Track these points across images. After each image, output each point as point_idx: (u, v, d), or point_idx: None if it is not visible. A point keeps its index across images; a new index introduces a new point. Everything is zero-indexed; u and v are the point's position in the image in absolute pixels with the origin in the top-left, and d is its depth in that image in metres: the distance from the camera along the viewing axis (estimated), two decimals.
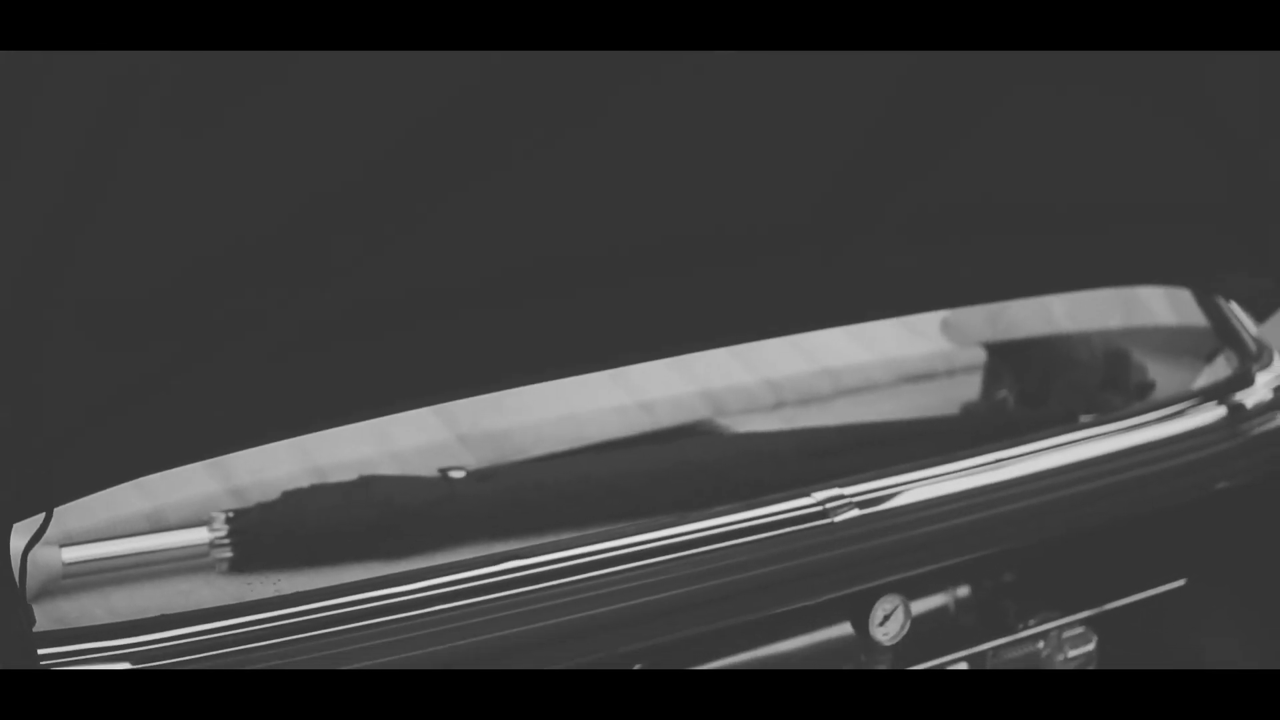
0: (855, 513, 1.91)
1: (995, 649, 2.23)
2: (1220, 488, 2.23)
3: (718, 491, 1.93)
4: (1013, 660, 2.27)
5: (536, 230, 1.62)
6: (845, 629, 1.96)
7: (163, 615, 1.64)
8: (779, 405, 2.31)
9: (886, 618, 1.92)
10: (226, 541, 1.81)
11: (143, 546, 1.80)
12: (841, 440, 2.18)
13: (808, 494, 1.91)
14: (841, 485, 1.93)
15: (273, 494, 1.89)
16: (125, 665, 1.57)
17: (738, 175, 1.70)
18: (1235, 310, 2.46)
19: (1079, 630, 2.30)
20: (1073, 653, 2.31)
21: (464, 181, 1.52)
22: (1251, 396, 2.33)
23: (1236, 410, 2.30)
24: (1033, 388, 2.39)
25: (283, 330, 1.55)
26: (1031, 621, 2.27)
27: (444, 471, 2.01)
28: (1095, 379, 2.40)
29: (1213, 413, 2.29)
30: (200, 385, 1.54)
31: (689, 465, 2.07)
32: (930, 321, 2.42)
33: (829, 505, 1.90)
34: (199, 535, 1.81)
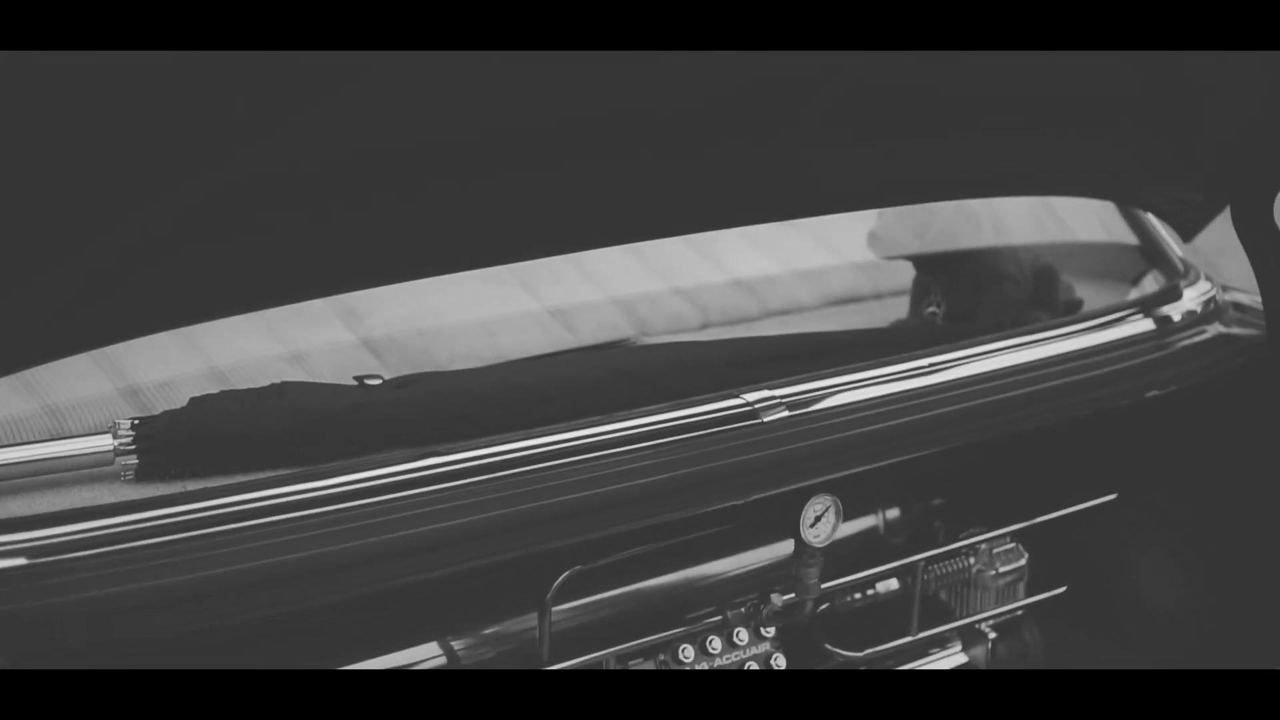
0: (784, 413, 1.86)
1: (927, 561, 2.20)
2: (1150, 396, 2.21)
3: (645, 393, 1.87)
4: (943, 574, 2.24)
5: (436, 113, 1.55)
6: (778, 533, 1.91)
7: (59, 511, 1.56)
8: (709, 311, 2.27)
9: (818, 519, 1.87)
10: (131, 448, 1.73)
11: (43, 454, 1.72)
12: (769, 345, 2.13)
13: (737, 395, 1.87)
14: (770, 387, 1.89)
15: (180, 399, 1.82)
16: (22, 561, 1.49)
17: (654, 64, 1.65)
18: (1160, 226, 2.45)
19: (1010, 545, 2.28)
20: (1004, 568, 2.28)
21: (352, 53, 1.45)
22: (1179, 309, 2.31)
23: (1164, 322, 2.28)
24: (960, 300, 2.36)
25: (168, 213, 1.47)
26: (962, 535, 2.25)
27: (360, 379, 1.94)
28: (1022, 293, 2.37)
29: (1141, 324, 2.27)
30: (84, 271, 1.46)
31: (615, 370, 2.01)
32: (859, 231, 2.39)
33: (758, 405, 1.86)
34: (102, 442, 1.73)
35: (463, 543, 1.64)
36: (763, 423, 1.84)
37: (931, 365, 2.03)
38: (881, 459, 1.92)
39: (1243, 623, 2.31)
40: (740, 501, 1.81)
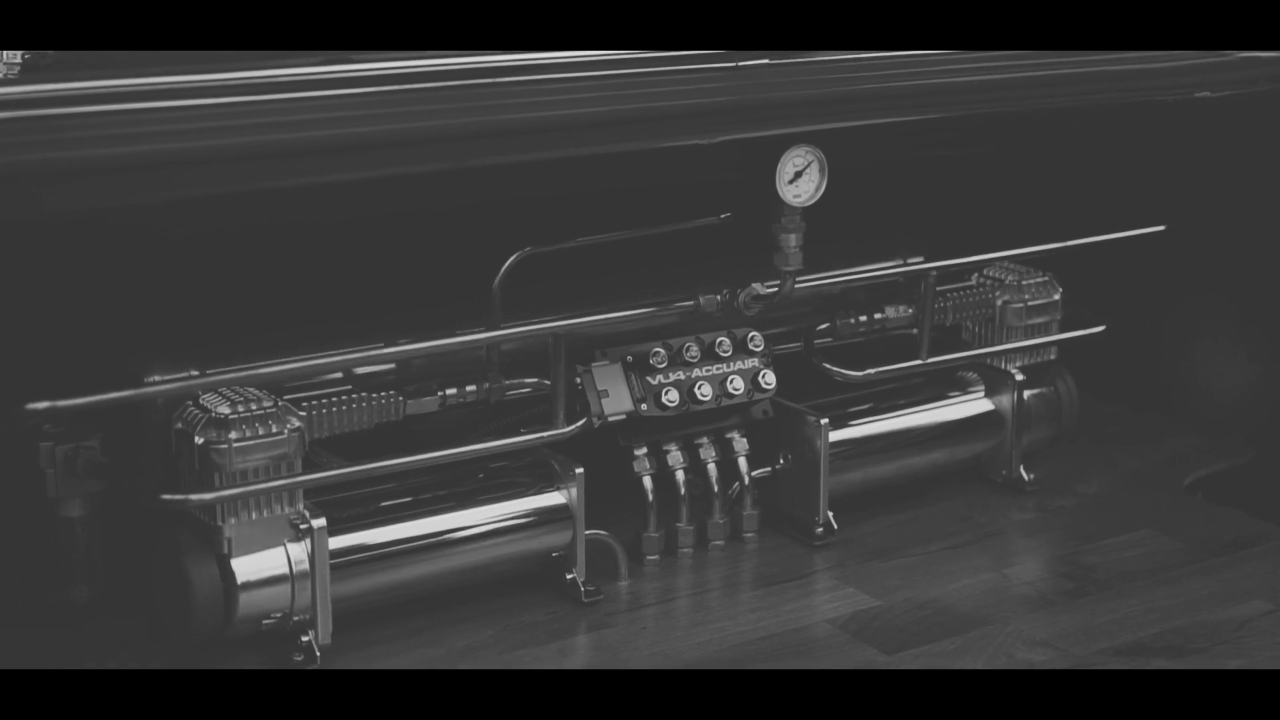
0: (765, 60, 1.64)
1: (943, 287, 1.96)
2: (1200, 97, 1.95)
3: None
4: (964, 304, 2.00)
5: None
6: (755, 194, 1.66)
7: None
8: None
9: (798, 174, 1.64)
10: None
11: None
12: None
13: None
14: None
15: None
16: None
17: None
18: None
19: (1042, 278, 2.04)
20: (1034, 302, 2.03)
21: None
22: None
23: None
24: None
25: None
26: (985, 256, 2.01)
27: None
28: None
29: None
30: None
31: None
32: None
33: (733, 51, 1.64)
34: None
35: (395, 147, 1.43)
36: (738, 66, 1.62)
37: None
38: (874, 116, 1.68)
39: None
40: (705, 141, 1.58)
